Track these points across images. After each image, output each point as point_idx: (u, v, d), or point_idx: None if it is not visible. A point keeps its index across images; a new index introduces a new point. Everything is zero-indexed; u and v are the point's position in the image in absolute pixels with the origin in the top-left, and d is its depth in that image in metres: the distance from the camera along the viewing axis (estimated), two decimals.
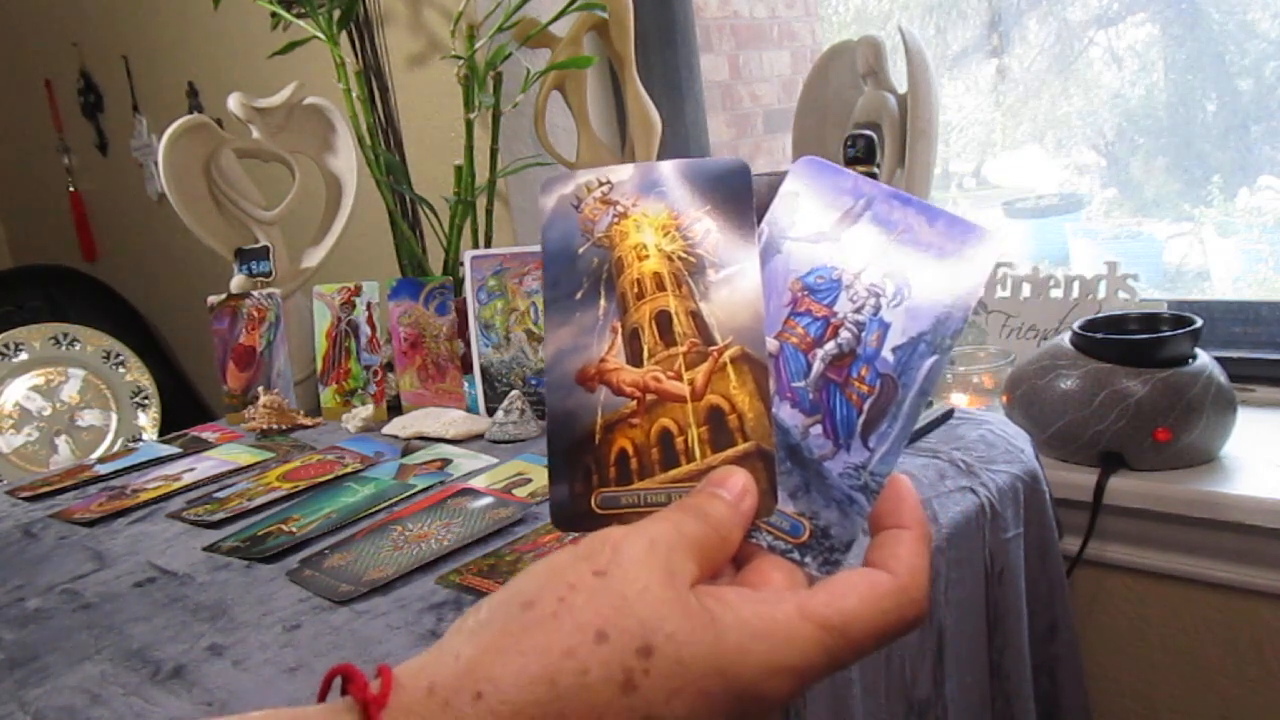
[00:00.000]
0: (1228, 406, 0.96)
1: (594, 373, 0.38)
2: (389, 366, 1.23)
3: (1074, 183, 1.54)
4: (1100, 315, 1.06)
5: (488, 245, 1.33)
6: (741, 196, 0.39)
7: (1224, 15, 1.29)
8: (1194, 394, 0.93)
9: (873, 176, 0.99)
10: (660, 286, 0.38)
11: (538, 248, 1.17)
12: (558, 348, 0.38)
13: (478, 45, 1.23)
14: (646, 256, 0.38)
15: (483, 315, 1.11)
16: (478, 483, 0.90)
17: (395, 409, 1.20)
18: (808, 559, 0.36)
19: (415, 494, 0.90)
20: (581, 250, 0.39)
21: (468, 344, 1.13)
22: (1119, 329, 1.02)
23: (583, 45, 1.27)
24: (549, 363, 0.38)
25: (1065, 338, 1.02)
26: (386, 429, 1.13)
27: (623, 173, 0.39)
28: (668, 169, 0.39)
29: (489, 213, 1.33)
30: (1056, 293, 1.15)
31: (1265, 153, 1.28)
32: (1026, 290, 1.17)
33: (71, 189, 2.54)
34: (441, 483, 0.93)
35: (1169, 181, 1.41)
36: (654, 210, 0.39)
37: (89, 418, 1.65)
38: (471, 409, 1.13)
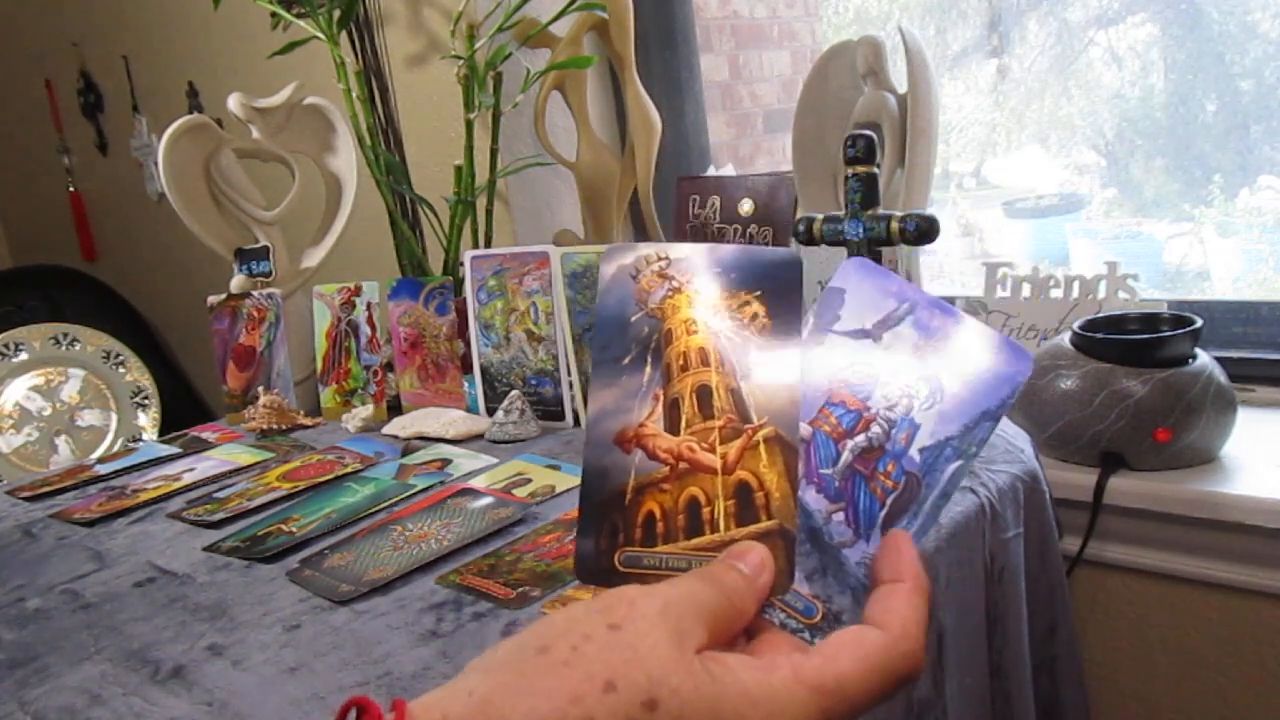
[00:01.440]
0: (1228, 406, 0.96)
1: (632, 435, 0.39)
2: (389, 366, 1.23)
3: (1074, 183, 1.54)
4: (1100, 315, 1.06)
5: (488, 245, 1.33)
6: (792, 286, 0.40)
7: (1224, 16, 1.29)
8: (1194, 394, 0.93)
9: (873, 177, 0.99)
10: (704, 361, 0.40)
11: (538, 248, 1.17)
12: (601, 407, 0.40)
13: (478, 45, 1.23)
14: (695, 331, 0.40)
15: (483, 315, 1.11)
16: (478, 483, 0.90)
17: (395, 409, 1.20)
18: (818, 641, 0.37)
19: (415, 494, 0.90)
20: (634, 318, 0.41)
21: (468, 344, 1.13)
22: (1119, 329, 1.02)
23: (583, 45, 1.27)
24: (590, 420, 0.40)
25: (1065, 338, 1.02)
26: (386, 429, 1.13)
27: (681, 250, 0.42)
28: (723, 253, 0.41)
29: (489, 213, 1.33)
30: (1056, 293, 1.15)
31: (1265, 153, 1.28)
32: (1026, 290, 1.17)
33: (71, 189, 2.54)
34: (441, 483, 0.93)
35: (1169, 181, 1.41)
36: (707, 289, 0.41)
37: (89, 418, 1.65)
38: (471, 409, 1.13)
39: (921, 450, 0.39)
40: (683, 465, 0.38)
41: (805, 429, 0.40)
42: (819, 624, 0.38)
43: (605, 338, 0.41)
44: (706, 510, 0.38)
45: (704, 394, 0.39)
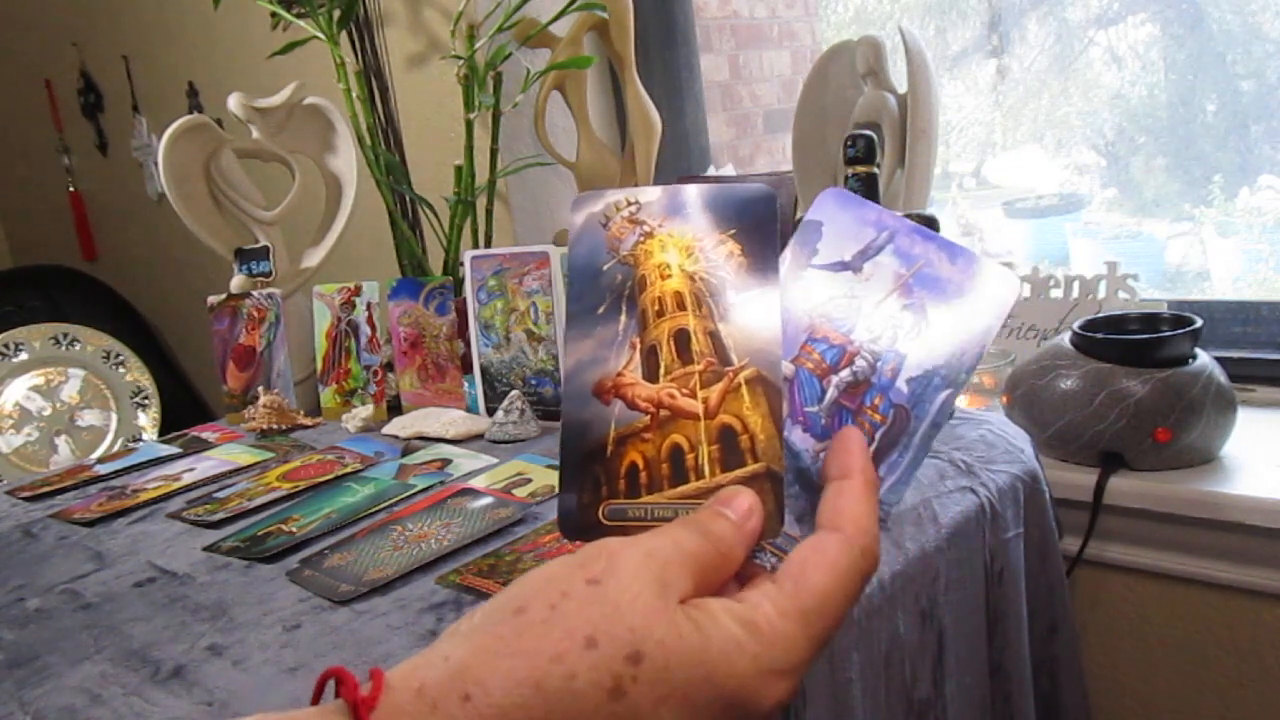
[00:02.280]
0: (1228, 406, 0.96)
1: (610, 386, 0.38)
2: (389, 366, 1.23)
3: (1074, 183, 1.54)
4: (1100, 315, 1.06)
5: (488, 245, 1.33)
6: (766, 223, 0.39)
7: (1225, 15, 1.29)
8: (1194, 394, 0.93)
9: (873, 177, 0.99)
10: (681, 305, 0.39)
11: (538, 248, 1.17)
12: (577, 359, 0.39)
13: (478, 45, 1.23)
14: (669, 276, 0.39)
15: (483, 315, 1.11)
16: (478, 483, 0.90)
17: (395, 409, 1.20)
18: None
19: (415, 494, 0.90)
20: (606, 267, 0.40)
21: (468, 344, 1.13)
22: (1119, 329, 1.02)
23: (583, 45, 1.27)
24: (567, 373, 0.39)
25: (1065, 338, 1.02)
26: (386, 429, 1.13)
27: (651, 194, 0.40)
28: (695, 193, 0.40)
29: (489, 213, 1.33)
30: (1056, 293, 1.15)
31: (1265, 153, 1.28)
32: (1026, 290, 1.17)
33: (71, 189, 2.54)
34: (441, 483, 0.93)
35: (1169, 181, 1.41)
36: (679, 231, 0.39)
37: (89, 418, 1.65)
38: (471, 409, 1.13)
39: (909, 381, 0.38)
40: (663, 413, 0.37)
41: (788, 367, 0.39)
42: None
43: (578, 289, 0.39)
44: (690, 457, 0.37)
45: (682, 338, 0.38)
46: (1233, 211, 1.33)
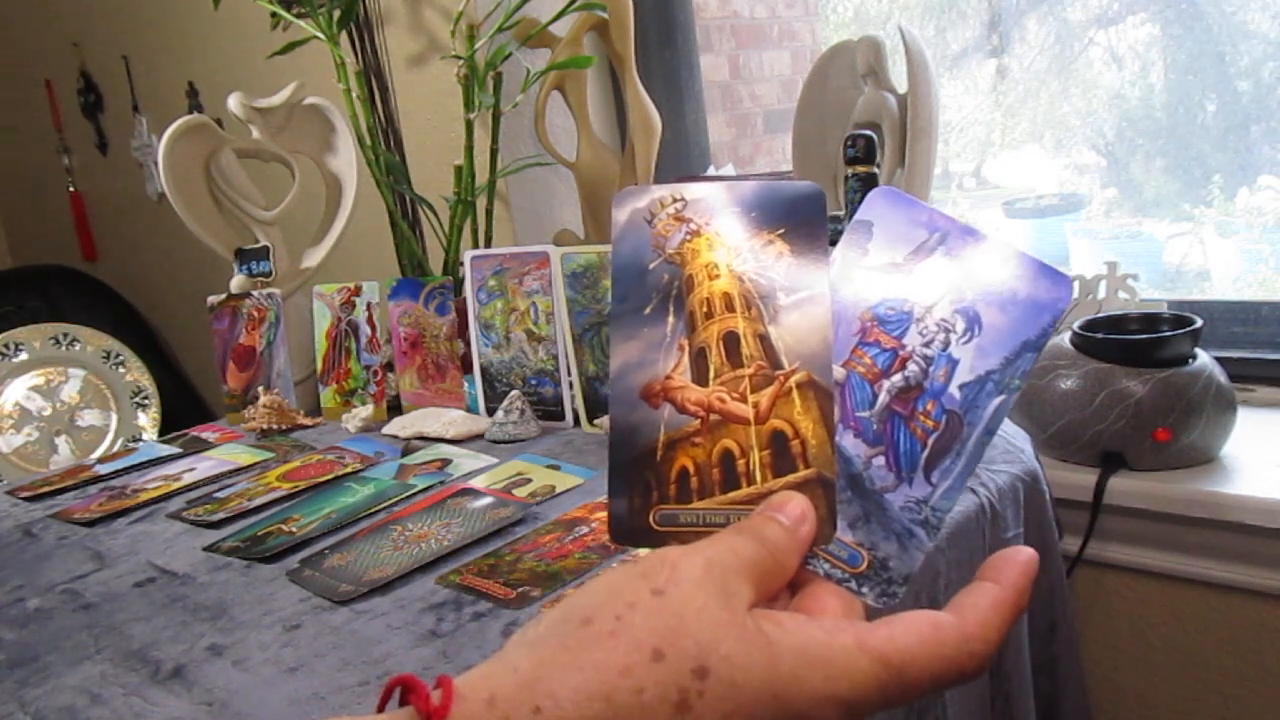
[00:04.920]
0: (1228, 406, 0.96)
1: (659, 389, 0.38)
2: (389, 366, 1.23)
3: (1074, 183, 1.54)
4: (1100, 315, 1.06)
5: (488, 245, 1.33)
6: (815, 222, 0.38)
7: (1223, 15, 1.29)
8: (1194, 394, 0.93)
9: (873, 177, 0.99)
10: (730, 307, 0.38)
11: (538, 248, 1.17)
12: (624, 361, 0.38)
13: (478, 45, 1.23)
14: (717, 276, 0.38)
15: (483, 315, 1.11)
16: (478, 483, 0.90)
17: (395, 409, 1.20)
18: (865, 589, 0.36)
19: (415, 494, 0.90)
20: (652, 266, 0.39)
21: (468, 344, 1.14)
22: (1119, 329, 1.02)
23: (583, 45, 1.27)
24: (614, 376, 0.38)
25: (1065, 338, 1.02)
26: (386, 429, 1.13)
27: (697, 190, 0.39)
28: (743, 190, 0.39)
29: (489, 213, 1.33)
30: None
31: (1265, 153, 1.28)
32: None
33: (71, 189, 2.54)
34: (441, 483, 0.93)
35: (1169, 181, 1.41)
36: (727, 230, 0.39)
37: (89, 418, 1.65)
38: (471, 409, 1.13)
39: (962, 386, 0.37)
40: (714, 417, 0.37)
41: (839, 372, 0.38)
42: (864, 572, 0.36)
43: (623, 288, 0.38)
44: (741, 462, 0.36)
45: (731, 341, 0.37)
46: (1232, 211, 1.33)
